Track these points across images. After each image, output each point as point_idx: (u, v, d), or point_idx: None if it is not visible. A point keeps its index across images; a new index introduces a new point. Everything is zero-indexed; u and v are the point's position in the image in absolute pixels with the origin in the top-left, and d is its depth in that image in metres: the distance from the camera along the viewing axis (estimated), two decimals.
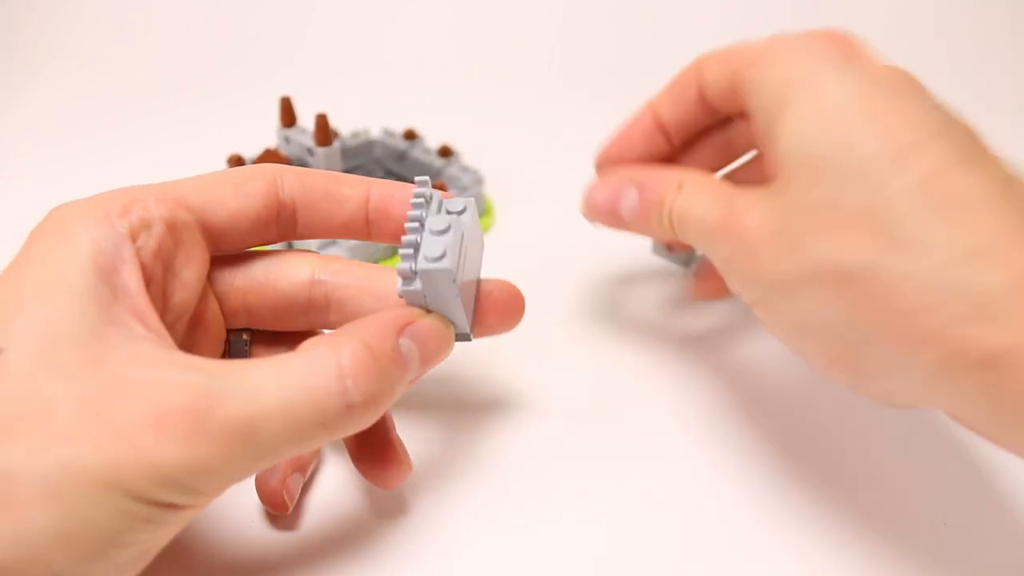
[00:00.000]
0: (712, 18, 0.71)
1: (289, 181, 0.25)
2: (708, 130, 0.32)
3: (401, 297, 0.23)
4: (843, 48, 0.26)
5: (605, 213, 0.30)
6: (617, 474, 0.28)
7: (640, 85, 0.65)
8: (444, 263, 0.22)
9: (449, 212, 0.24)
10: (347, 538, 0.26)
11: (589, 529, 0.26)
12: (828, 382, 0.33)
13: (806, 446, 0.30)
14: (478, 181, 0.43)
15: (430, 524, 0.26)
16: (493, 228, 0.45)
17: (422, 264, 0.22)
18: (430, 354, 0.23)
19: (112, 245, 0.20)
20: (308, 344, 0.21)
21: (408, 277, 0.23)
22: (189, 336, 0.24)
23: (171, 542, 0.20)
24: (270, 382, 0.19)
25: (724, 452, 0.29)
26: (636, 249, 0.42)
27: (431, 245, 0.22)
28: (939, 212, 0.20)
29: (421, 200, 0.24)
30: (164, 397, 0.18)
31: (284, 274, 0.26)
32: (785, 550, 0.26)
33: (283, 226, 0.25)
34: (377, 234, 0.26)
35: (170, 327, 0.22)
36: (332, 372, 0.20)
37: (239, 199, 0.24)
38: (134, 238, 0.21)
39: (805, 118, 0.23)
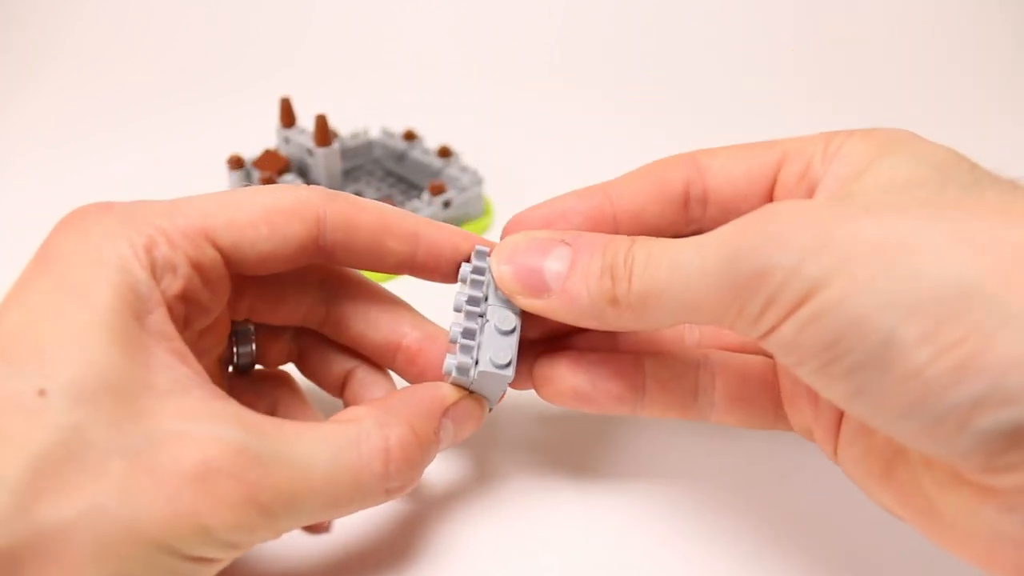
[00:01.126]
0: (712, 18, 0.71)
1: (334, 222, 0.22)
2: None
3: (446, 374, 0.23)
4: None
5: (525, 280, 0.22)
6: (614, 482, 0.28)
7: (640, 85, 0.65)
8: (509, 372, 0.23)
9: (504, 298, 0.24)
10: (362, 542, 0.26)
11: (593, 540, 0.26)
12: None
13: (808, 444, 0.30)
14: (477, 181, 0.43)
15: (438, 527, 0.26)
16: (493, 228, 0.45)
17: (486, 367, 0.23)
18: (462, 434, 0.24)
19: (145, 288, 0.20)
20: (355, 415, 0.21)
21: (465, 370, 0.23)
22: (199, 339, 0.24)
23: None
24: (319, 454, 0.20)
25: (724, 449, 0.29)
26: None
27: (498, 347, 0.23)
28: None
29: (480, 278, 0.24)
30: (216, 457, 0.18)
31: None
32: (800, 547, 0.26)
33: (317, 259, 0.23)
34: (419, 275, 0.25)
35: (188, 340, 0.22)
36: (378, 455, 0.21)
37: (273, 242, 0.22)
38: (157, 280, 0.20)
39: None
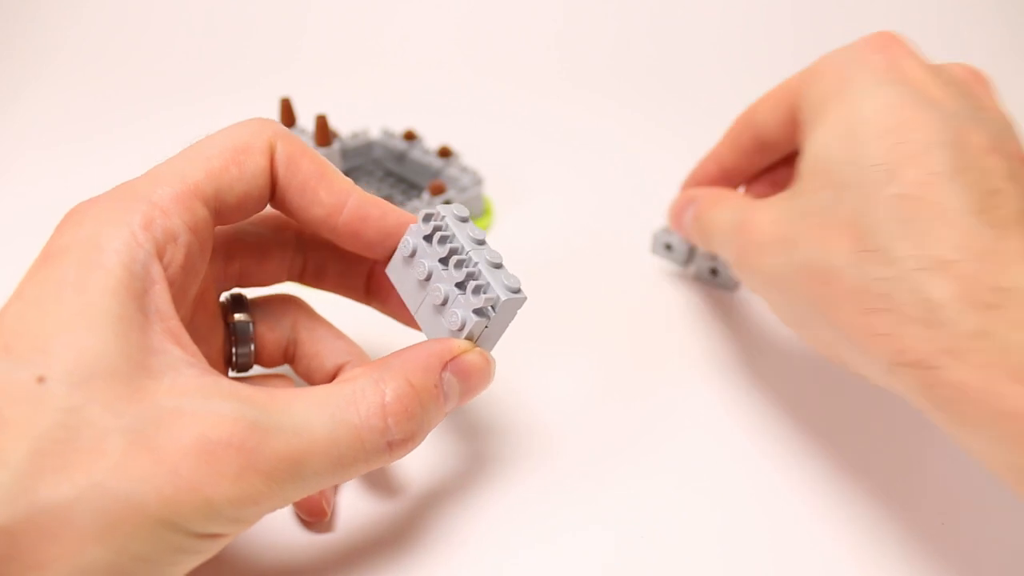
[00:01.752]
0: (713, 18, 0.71)
1: (282, 156, 0.23)
2: (774, 167, 0.34)
3: (459, 330, 0.23)
4: (890, 53, 0.26)
5: (676, 221, 0.35)
6: (619, 477, 0.28)
7: (640, 85, 0.65)
8: (523, 293, 0.23)
9: (477, 240, 0.24)
10: (366, 540, 0.26)
11: (600, 535, 0.26)
12: (827, 380, 0.33)
13: (806, 444, 0.30)
14: (477, 181, 0.43)
15: (439, 526, 0.26)
16: (493, 228, 0.45)
17: (506, 294, 0.22)
18: (471, 389, 0.23)
19: (142, 267, 0.20)
20: (351, 375, 0.21)
21: (485, 311, 0.23)
22: (193, 315, 0.24)
23: None
24: (316, 417, 0.20)
25: (725, 449, 0.29)
26: (635, 248, 0.42)
27: (501, 277, 0.23)
28: (910, 223, 0.22)
29: (447, 234, 0.24)
30: (214, 430, 0.18)
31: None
32: (781, 549, 0.26)
33: (273, 197, 0.24)
34: (343, 243, 0.25)
35: (183, 318, 0.22)
36: (375, 409, 0.21)
37: (246, 179, 0.23)
38: (161, 254, 0.20)
39: (830, 130, 0.25)
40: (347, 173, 0.46)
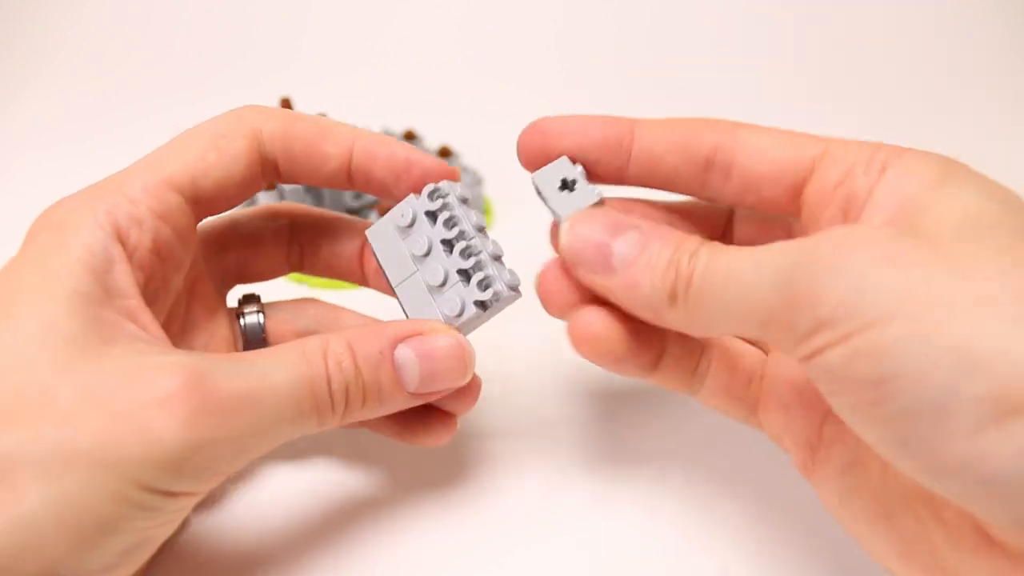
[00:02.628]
0: (713, 19, 0.71)
1: (270, 133, 0.23)
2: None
3: (456, 316, 0.23)
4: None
5: (591, 255, 0.22)
6: (611, 487, 0.28)
7: (640, 85, 0.65)
8: (520, 292, 0.23)
9: (478, 226, 0.24)
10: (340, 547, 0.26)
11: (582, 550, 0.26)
12: None
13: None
14: (477, 182, 0.43)
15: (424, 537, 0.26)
16: (493, 228, 0.45)
17: (508, 292, 0.23)
18: (437, 372, 0.22)
19: (102, 247, 0.20)
20: (302, 339, 0.22)
21: (483, 303, 0.23)
22: (187, 309, 0.25)
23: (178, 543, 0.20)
24: (268, 362, 0.20)
25: (718, 469, 0.29)
26: None
27: (504, 272, 0.23)
28: None
29: (453, 214, 0.24)
30: (165, 378, 0.18)
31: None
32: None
33: (268, 177, 0.24)
34: (360, 189, 0.25)
35: (171, 310, 0.23)
36: (319, 356, 0.21)
37: (224, 165, 0.23)
38: (124, 237, 0.21)
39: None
40: None
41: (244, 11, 0.70)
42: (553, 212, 0.23)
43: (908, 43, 0.69)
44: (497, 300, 0.23)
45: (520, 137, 0.25)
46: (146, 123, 0.57)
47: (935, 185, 0.19)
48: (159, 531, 0.19)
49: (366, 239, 0.25)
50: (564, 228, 0.22)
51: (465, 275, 0.23)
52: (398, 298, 0.24)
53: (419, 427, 0.25)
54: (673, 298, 0.20)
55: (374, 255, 0.25)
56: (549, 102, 0.62)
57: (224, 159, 0.23)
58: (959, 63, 0.67)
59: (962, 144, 0.57)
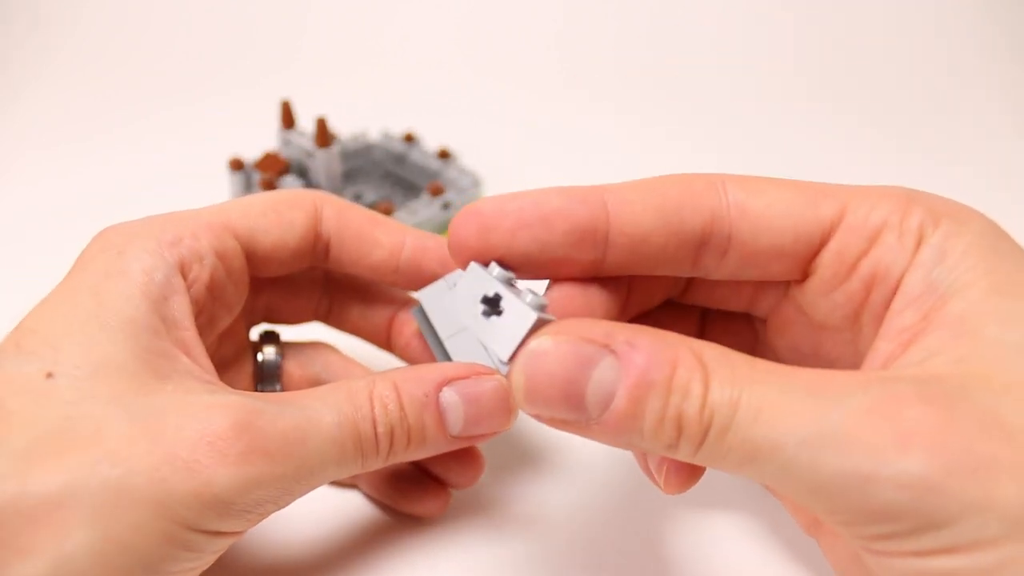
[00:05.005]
0: (713, 19, 0.71)
1: (328, 213, 0.24)
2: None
3: (501, 367, 0.20)
4: None
5: (559, 398, 0.17)
6: (615, 505, 0.28)
7: (640, 86, 0.65)
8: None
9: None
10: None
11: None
12: None
13: None
14: (476, 183, 0.44)
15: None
16: None
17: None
18: (480, 415, 0.21)
19: (163, 276, 0.20)
20: (348, 377, 0.22)
21: (542, 307, 0.19)
22: (219, 346, 0.25)
23: None
24: (315, 404, 0.19)
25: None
26: None
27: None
28: None
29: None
30: (217, 418, 0.18)
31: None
32: None
33: (317, 256, 0.25)
34: (404, 283, 0.25)
35: (209, 347, 0.23)
36: (365, 398, 0.20)
37: (282, 228, 0.24)
38: (185, 270, 0.21)
39: None
40: (347, 175, 0.46)
41: (244, 11, 0.70)
42: (489, 350, 0.18)
43: (908, 43, 0.69)
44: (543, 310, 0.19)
45: (453, 225, 0.20)
46: (146, 123, 0.57)
47: (988, 292, 0.17)
48: (198, 568, 0.19)
49: (398, 309, 0.26)
50: (516, 381, 0.17)
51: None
52: (444, 350, 0.22)
53: (415, 497, 0.26)
54: (675, 451, 0.16)
55: (419, 315, 0.23)
56: (549, 103, 0.62)
57: (283, 222, 0.24)
58: (959, 63, 0.67)
59: (962, 144, 0.57)
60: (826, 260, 0.19)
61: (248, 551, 0.25)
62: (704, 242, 0.19)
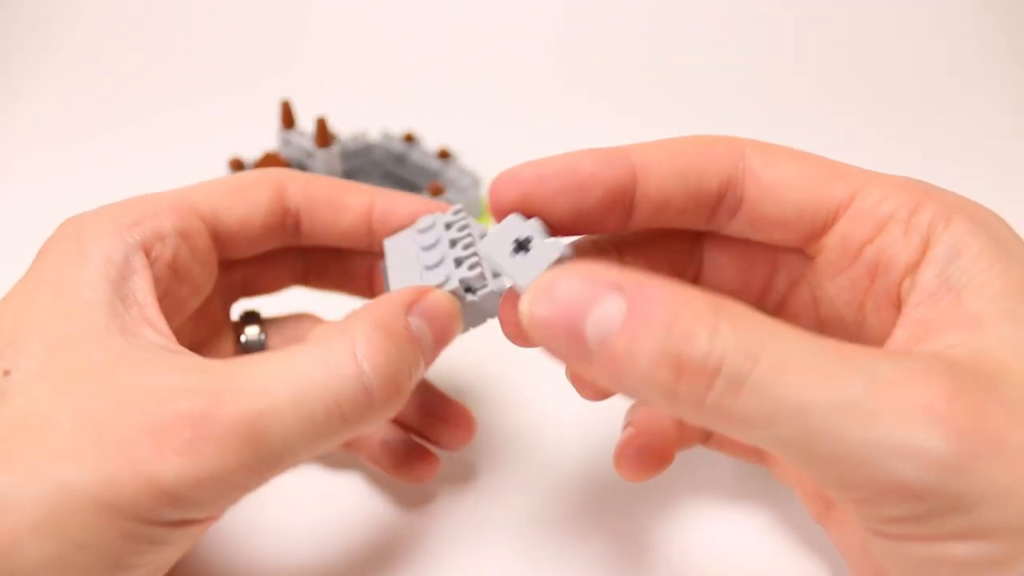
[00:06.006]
0: (713, 19, 0.71)
1: (294, 188, 0.25)
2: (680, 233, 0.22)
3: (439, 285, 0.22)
4: None
5: (559, 329, 0.16)
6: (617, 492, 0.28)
7: (640, 86, 0.65)
8: (504, 287, 0.22)
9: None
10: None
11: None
12: None
13: None
14: (476, 183, 0.44)
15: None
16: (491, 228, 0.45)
17: (493, 282, 0.22)
18: (441, 332, 0.21)
19: (122, 256, 0.20)
20: (318, 333, 0.19)
21: (467, 283, 0.22)
22: (195, 327, 0.25)
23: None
24: (278, 373, 0.18)
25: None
26: None
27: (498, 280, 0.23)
28: None
29: (469, 227, 0.24)
30: (163, 405, 0.17)
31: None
32: None
33: (288, 232, 0.25)
34: (378, 243, 0.26)
35: (179, 329, 0.23)
36: (346, 356, 0.18)
37: (247, 206, 0.24)
38: (147, 249, 0.21)
39: None
40: (347, 175, 0.46)
41: (244, 11, 0.70)
42: (512, 280, 0.19)
43: (908, 43, 0.69)
44: (484, 287, 0.22)
45: (493, 188, 0.20)
46: (146, 123, 0.57)
47: (1003, 293, 0.17)
48: (171, 557, 0.18)
49: (376, 258, 0.26)
50: (523, 306, 0.17)
51: (458, 263, 0.23)
52: (388, 282, 0.24)
53: (409, 463, 0.26)
54: (674, 398, 0.15)
55: (383, 261, 0.25)
56: (549, 103, 0.62)
57: (247, 201, 0.24)
58: (959, 63, 0.67)
59: (962, 144, 0.57)
60: (832, 241, 0.20)
61: (232, 535, 0.25)
62: (720, 201, 0.20)
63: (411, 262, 0.24)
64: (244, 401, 0.17)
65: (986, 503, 0.14)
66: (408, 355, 0.19)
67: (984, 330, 0.16)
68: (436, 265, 0.23)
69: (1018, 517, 0.14)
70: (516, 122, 0.59)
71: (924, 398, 0.14)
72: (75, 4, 0.68)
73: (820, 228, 0.20)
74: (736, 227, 0.21)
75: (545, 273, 0.17)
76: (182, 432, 0.16)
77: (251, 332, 0.27)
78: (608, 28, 0.71)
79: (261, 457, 0.17)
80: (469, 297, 0.22)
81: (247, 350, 0.26)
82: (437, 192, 0.41)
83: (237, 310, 0.28)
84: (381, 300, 0.20)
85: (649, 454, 0.23)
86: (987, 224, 0.18)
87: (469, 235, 0.24)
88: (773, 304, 0.23)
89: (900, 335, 0.18)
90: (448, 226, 0.24)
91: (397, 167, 0.47)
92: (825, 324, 0.21)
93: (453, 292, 0.22)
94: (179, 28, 0.68)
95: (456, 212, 0.24)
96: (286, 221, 0.25)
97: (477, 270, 0.22)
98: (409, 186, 0.46)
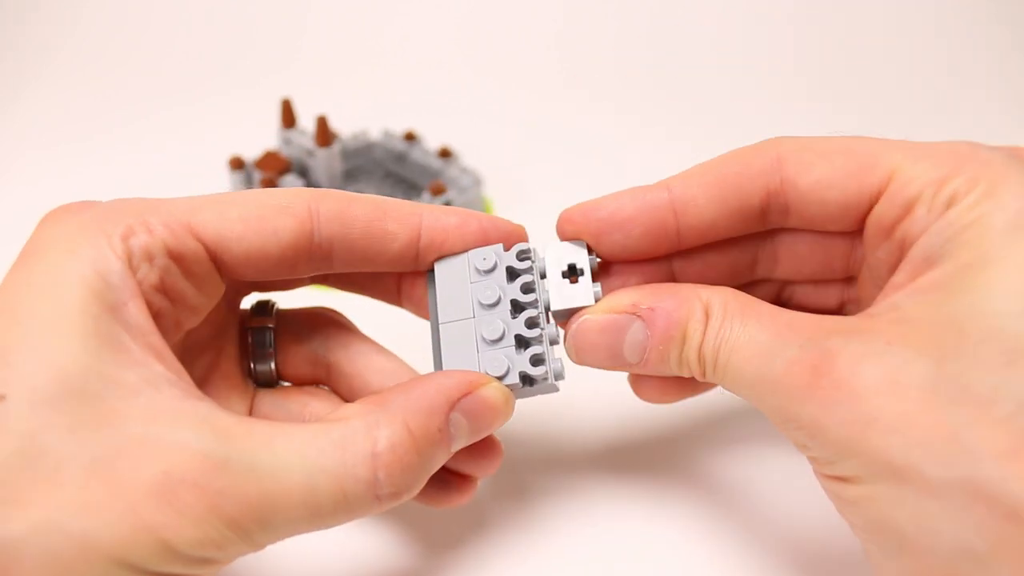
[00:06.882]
0: (713, 18, 0.71)
1: (327, 214, 0.21)
2: (731, 241, 0.24)
3: (500, 377, 0.21)
4: None
5: (604, 357, 0.22)
6: (613, 487, 0.28)
7: (641, 85, 0.65)
8: (559, 384, 0.23)
9: (546, 304, 0.23)
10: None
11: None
12: None
13: None
14: (477, 182, 0.44)
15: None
16: None
17: (551, 379, 0.22)
18: (483, 428, 0.21)
19: (118, 279, 0.18)
20: (344, 414, 0.19)
21: (528, 378, 0.22)
22: (195, 327, 0.23)
23: None
24: (294, 460, 0.18)
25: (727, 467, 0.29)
26: None
27: (557, 356, 0.23)
28: None
29: (535, 287, 0.23)
30: (178, 466, 0.17)
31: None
32: None
33: (315, 262, 0.22)
34: (424, 264, 0.23)
35: (175, 344, 0.21)
36: (364, 458, 0.18)
37: (262, 237, 0.21)
38: (134, 269, 0.19)
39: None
40: (347, 174, 0.46)
41: (244, 11, 0.70)
42: (548, 294, 0.23)
43: (908, 43, 0.69)
44: (544, 381, 0.22)
45: (559, 227, 0.24)
46: (146, 123, 0.57)
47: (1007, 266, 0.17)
48: None
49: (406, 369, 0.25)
50: (566, 344, 0.23)
51: (522, 343, 0.22)
52: (438, 335, 0.22)
53: (441, 489, 0.24)
54: (702, 368, 0.21)
55: (430, 283, 0.23)
56: (549, 103, 0.62)
57: (264, 232, 0.21)
58: (959, 63, 0.67)
59: None
60: (872, 220, 0.21)
61: None
62: (765, 214, 0.22)
63: (463, 296, 0.22)
64: (258, 483, 0.17)
65: (843, 458, 0.18)
66: (431, 459, 0.20)
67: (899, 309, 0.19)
68: (496, 342, 0.21)
69: (860, 468, 0.18)
70: (516, 121, 0.59)
71: (812, 377, 0.18)
72: (75, 4, 0.68)
73: (864, 212, 0.21)
74: (793, 223, 0.22)
75: (577, 316, 0.22)
76: (197, 502, 0.17)
77: (260, 330, 0.25)
78: (608, 28, 0.71)
79: (264, 535, 0.18)
80: (526, 387, 0.22)
81: (256, 346, 0.25)
82: (438, 191, 0.41)
83: (248, 300, 0.26)
84: (428, 387, 0.20)
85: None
86: (1012, 192, 0.18)
87: (535, 302, 0.22)
88: (857, 272, 0.24)
89: (895, 280, 0.20)
90: (512, 275, 0.23)
91: (398, 166, 0.47)
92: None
93: (511, 387, 0.21)
94: (179, 28, 0.68)
95: (521, 255, 0.23)
96: (313, 254, 0.22)
97: (541, 369, 0.21)
98: (410, 185, 0.46)
